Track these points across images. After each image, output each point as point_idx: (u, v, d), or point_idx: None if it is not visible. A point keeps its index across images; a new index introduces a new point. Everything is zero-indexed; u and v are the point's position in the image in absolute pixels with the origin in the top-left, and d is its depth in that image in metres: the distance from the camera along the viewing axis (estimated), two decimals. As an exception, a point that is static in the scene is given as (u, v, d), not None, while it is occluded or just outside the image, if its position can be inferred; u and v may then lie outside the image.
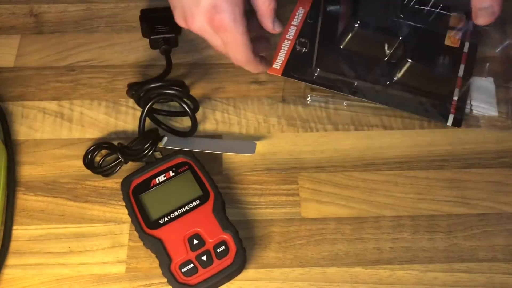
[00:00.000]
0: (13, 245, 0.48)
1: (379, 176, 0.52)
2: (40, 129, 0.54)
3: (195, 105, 0.53)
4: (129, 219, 0.48)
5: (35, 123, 0.55)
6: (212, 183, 0.49)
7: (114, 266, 0.48)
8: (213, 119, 0.55)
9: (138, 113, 0.53)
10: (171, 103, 0.55)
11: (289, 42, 0.57)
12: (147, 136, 0.51)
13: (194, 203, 0.47)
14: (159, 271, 0.45)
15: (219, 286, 0.46)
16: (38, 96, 0.56)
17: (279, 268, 0.48)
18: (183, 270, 0.45)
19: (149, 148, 0.50)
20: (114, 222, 0.50)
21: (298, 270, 0.48)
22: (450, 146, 0.54)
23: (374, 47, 0.55)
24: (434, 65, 0.55)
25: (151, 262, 0.47)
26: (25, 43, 0.60)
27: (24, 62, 0.58)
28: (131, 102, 0.55)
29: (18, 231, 0.49)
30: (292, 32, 0.57)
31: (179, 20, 0.47)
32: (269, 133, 0.55)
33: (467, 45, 0.57)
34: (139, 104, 0.54)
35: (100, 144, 0.51)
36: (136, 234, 0.47)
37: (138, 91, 0.53)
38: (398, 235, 0.49)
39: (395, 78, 0.54)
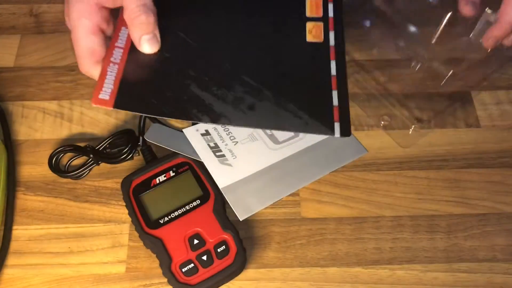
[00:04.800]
0: (13, 245, 0.48)
1: (379, 176, 0.52)
2: (40, 129, 0.54)
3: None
4: (129, 219, 0.48)
5: (35, 123, 0.55)
6: (213, 183, 0.49)
7: (114, 266, 0.48)
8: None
9: (138, 113, 0.53)
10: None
11: (116, 66, 0.43)
12: (121, 137, 0.52)
13: (194, 203, 0.47)
14: (159, 271, 0.45)
15: (220, 286, 0.46)
16: (38, 96, 0.56)
17: (279, 268, 0.48)
18: (183, 270, 0.45)
19: (128, 151, 0.51)
20: (114, 222, 0.50)
21: (298, 270, 0.48)
22: (450, 146, 0.54)
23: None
24: (297, 70, 0.45)
25: (151, 262, 0.47)
26: (25, 43, 0.60)
27: (24, 62, 0.58)
28: (131, 102, 0.55)
29: (18, 231, 0.49)
30: (118, 54, 0.43)
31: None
32: (269, 133, 0.55)
33: (332, 35, 0.47)
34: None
35: (65, 147, 0.51)
36: (136, 234, 0.47)
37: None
38: (398, 235, 0.49)
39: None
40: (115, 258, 0.48)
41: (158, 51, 0.43)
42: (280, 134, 0.52)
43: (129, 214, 0.47)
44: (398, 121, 0.54)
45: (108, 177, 0.52)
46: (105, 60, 0.42)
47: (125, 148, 0.51)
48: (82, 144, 0.52)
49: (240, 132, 0.52)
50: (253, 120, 0.42)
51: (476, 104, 0.56)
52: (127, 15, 0.41)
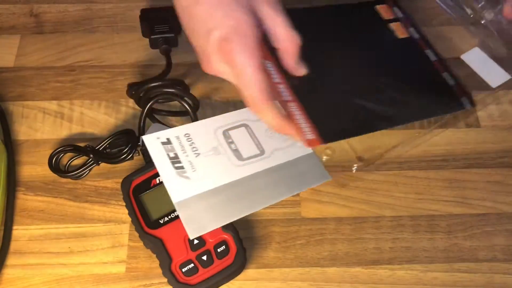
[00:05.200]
0: (13, 245, 0.48)
1: (379, 176, 0.52)
2: (40, 129, 0.54)
3: (196, 103, 0.53)
4: (129, 219, 0.48)
5: (35, 123, 0.55)
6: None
7: (114, 266, 0.48)
8: (213, 119, 0.55)
9: (138, 113, 0.53)
10: (171, 103, 0.55)
11: (294, 104, 0.46)
12: (121, 137, 0.52)
13: (194, 203, 0.47)
14: (159, 271, 0.45)
15: (220, 286, 0.46)
16: (38, 96, 0.56)
17: (279, 268, 0.48)
18: (183, 270, 0.45)
19: (128, 152, 0.51)
20: (114, 222, 0.50)
21: (298, 270, 0.48)
22: (450, 146, 0.54)
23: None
24: (406, 64, 0.55)
25: (151, 262, 0.47)
26: (25, 43, 0.60)
27: (24, 62, 0.58)
28: (131, 102, 0.55)
29: (18, 231, 0.49)
30: (284, 91, 0.46)
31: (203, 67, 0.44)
32: (269, 133, 0.55)
33: (412, 30, 0.57)
34: (138, 104, 0.54)
35: (65, 147, 0.51)
36: (136, 234, 0.47)
37: (138, 91, 0.53)
38: (398, 235, 0.49)
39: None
40: (115, 258, 0.48)
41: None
42: (246, 151, 0.48)
43: (129, 214, 0.47)
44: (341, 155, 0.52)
45: (108, 177, 0.52)
46: (284, 102, 0.45)
47: (125, 148, 0.51)
48: (82, 144, 0.52)
49: (204, 143, 0.48)
50: (410, 115, 0.51)
51: (476, 104, 0.56)
52: (248, 102, 0.42)
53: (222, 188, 0.46)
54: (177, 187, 0.45)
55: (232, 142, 0.48)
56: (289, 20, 0.43)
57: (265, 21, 0.42)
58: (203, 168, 0.46)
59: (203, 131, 0.48)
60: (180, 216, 0.43)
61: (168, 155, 0.46)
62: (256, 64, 0.40)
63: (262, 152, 0.48)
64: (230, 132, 0.49)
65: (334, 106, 0.49)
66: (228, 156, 0.47)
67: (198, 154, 0.47)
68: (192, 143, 0.47)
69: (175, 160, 0.46)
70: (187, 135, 0.48)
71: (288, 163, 0.48)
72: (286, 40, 0.42)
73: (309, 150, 0.49)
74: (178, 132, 0.48)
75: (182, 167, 0.46)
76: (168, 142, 0.47)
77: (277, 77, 0.46)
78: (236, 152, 0.48)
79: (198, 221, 0.44)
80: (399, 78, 0.52)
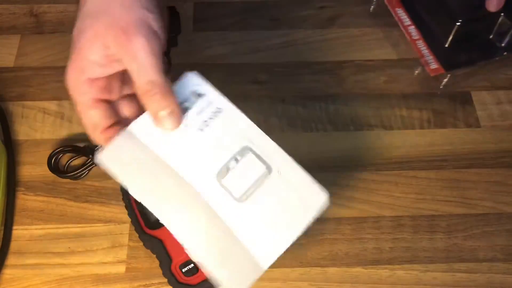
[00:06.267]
0: (13, 245, 0.48)
1: (379, 176, 0.52)
2: (40, 129, 0.54)
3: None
4: (129, 219, 0.48)
5: (35, 123, 0.55)
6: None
7: (114, 266, 0.48)
8: (213, 119, 0.55)
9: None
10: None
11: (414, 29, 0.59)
12: None
13: (194, 203, 0.47)
14: (159, 271, 0.45)
15: (219, 286, 0.46)
16: (38, 96, 0.56)
17: (279, 268, 0.48)
18: (183, 270, 0.45)
19: None
20: (114, 222, 0.50)
21: (298, 270, 0.48)
22: (450, 146, 0.54)
23: None
24: None
25: (151, 262, 0.47)
26: (25, 43, 0.60)
27: (24, 62, 0.58)
28: (131, 102, 0.55)
29: (18, 231, 0.49)
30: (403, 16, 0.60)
31: None
32: (270, 133, 0.54)
33: None
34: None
35: (64, 148, 0.51)
36: (136, 234, 0.47)
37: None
38: (398, 235, 0.49)
39: None
40: (115, 258, 0.48)
41: None
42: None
43: (129, 214, 0.47)
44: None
45: (108, 177, 0.51)
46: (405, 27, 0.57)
47: None
48: (81, 145, 0.52)
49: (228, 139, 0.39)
50: None
51: (476, 104, 0.56)
52: (136, 89, 0.36)
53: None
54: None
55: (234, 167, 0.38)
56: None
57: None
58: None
59: (233, 124, 0.39)
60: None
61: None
62: (83, 104, 0.39)
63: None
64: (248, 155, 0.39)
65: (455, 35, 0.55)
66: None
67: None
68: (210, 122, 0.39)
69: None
70: (218, 110, 0.39)
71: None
72: (141, 88, 0.36)
73: None
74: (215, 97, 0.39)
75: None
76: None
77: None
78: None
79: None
80: None
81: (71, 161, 0.51)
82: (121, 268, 0.47)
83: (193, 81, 0.40)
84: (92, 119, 0.39)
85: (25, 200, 0.51)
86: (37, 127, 0.54)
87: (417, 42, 0.57)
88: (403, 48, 0.59)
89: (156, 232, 0.46)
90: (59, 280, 0.47)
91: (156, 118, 0.36)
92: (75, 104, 0.39)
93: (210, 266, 0.36)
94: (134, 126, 0.38)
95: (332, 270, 0.48)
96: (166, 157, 0.37)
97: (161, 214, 0.37)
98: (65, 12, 0.62)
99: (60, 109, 0.56)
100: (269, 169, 0.38)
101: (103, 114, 0.39)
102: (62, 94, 0.56)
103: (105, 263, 0.48)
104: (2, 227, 0.49)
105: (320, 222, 0.50)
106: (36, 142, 0.54)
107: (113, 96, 0.40)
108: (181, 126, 0.38)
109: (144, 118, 0.38)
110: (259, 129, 0.40)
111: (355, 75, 0.58)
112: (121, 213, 0.49)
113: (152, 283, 0.47)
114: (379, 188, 0.52)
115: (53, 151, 0.51)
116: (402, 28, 0.58)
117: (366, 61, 0.59)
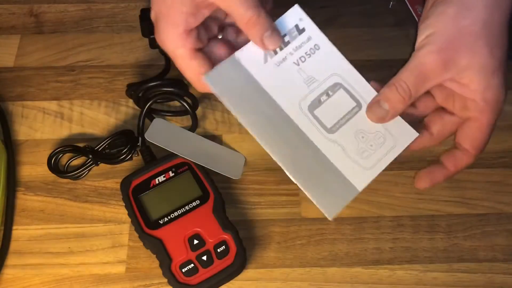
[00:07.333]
0: (13, 245, 0.48)
1: (379, 176, 0.52)
2: (40, 129, 0.54)
3: (195, 102, 0.53)
4: (129, 219, 0.48)
5: (35, 123, 0.55)
6: (212, 183, 0.49)
7: (114, 266, 0.48)
8: (213, 119, 0.55)
9: (138, 113, 0.53)
10: (170, 103, 0.55)
11: None
12: (120, 138, 0.52)
13: (194, 203, 0.47)
14: (159, 271, 0.45)
15: (220, 286, 0.46)
16: (38, 96, 0.56)
17: (279, 268, 0.48)
18: (183, 270, 0.45)
19: (127, 152, 0.51)
20: (114, 222, 0.50)
21: (298, 270, 0.48)
22: (450, 146, 0.54)
23: None
24: None
25: (151, 262, 0.47)
26: (25, 43, 0.60)
27: (24, 62, 0.58)
28: (131, 102, 0.55)
29: (18, 231, 0.49)
30: None
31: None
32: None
33: None
34: (138, 104, 0.54)
35: (63, 148, 0.51)
36: (136, 234, 0.47)
37: (137, 91, 0.53)
38: (398, 235, 0.49)
39: None
40: (115, 258, 0.48)
41: None
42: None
43: (129, 214, 0.47)
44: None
45: (108, 177, 0.52)
46: None
47: (124, 149, 0.51)
48: (81, 144, 0.52)
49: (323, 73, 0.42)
50: None
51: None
52: (238, 22, 0.39)
53: None
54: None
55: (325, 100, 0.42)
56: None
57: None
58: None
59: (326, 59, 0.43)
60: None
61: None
62: (183, 56, 0.40)
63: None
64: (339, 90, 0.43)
65: None
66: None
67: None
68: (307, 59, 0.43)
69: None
70: (316, 46, 0.43)
71: None
72: (240, 17, 0.40)
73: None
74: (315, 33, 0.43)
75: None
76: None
77: None
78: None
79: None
80: None
81: (71, 161, 0.51)
82: (121, 268, 0.47)
83: (296, 15, 0.43)
84: (195, 69, 0.41)
85: (25, 200, 0.51)
86: (37, 127, 0.55)
87: None
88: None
89: (156, 232, 0.46)
90: (59, 280, 0.47)
91: (260, 41, 0.40)
92: (175, 59, 0.41)
93: (308, 188, 0.40)
94: (238, 54, 0.41)
95: (332, 270, 0.48)
96: (265, 85, 0.41)
97: (261, 139, 0.41)
98: (65, 12, 0.62)
99: (60, 109, 0.56)
100: (359, 105, 0.42)
101: (202, 62, 0.41)
102: (62, 94, 0.56)
103: (105, 263, 0.48)
104: (2, 227, 0.49)
105: (320, 222, 0.50)
106: (36, 142, 0.54)
107: (204, 44, 0.42)
108: (280, 58, 0.42)
109: (247, 47, 0.41)
110: (353, 68, 0.43)
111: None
112: (121, 213, 0.50)
113: (152, 283, 0.47)
114: (379, 188, 0.52)
115: (53, 151, 0.51)
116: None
117: (366, 61, 0.59)
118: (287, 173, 0.41)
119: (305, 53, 0.43)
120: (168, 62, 0.56)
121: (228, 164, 0.52)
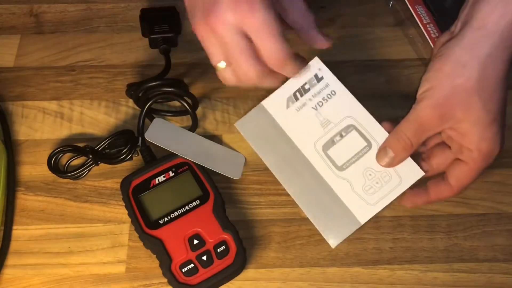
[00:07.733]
0: (13, 245, 0.48)
1: (379, 176, 0.52)
2: (40, 129, 0.54)
3: (195, 102, 0.53)
4: (129, 219, 0.48)
5: (35, 123, 0.55)
6: (212, 183, 0.49)
7: (114, 266, 0.48)
8: (213, 119, 0.55)
9: (138, 113, 0.53)
10: (170, 103, 0.55)
11: None
12: (120, 138, 0.52)
13: (194, 203, 0.47)
14: (159, 271, 0.45)
15: (220, 286, 0.46)
16: (38, 96, 0.56)
17: (279, 268, 0.48)
18: (183, 270, 0.45)
19: (127, 152, 0.51)
20: (114, 222, 0.50)
21: (298, 270, 0.48)
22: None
23: None
24: None
25: (151, 262, 0.47)
26: (25, 43, 0.60)
27: (24, 62, 0.58)
28: (131, 102, 0.55)
29: (18, 231, 0.49)
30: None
31: (197, 24, 0.42)
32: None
33: None
34: (138, 104, 0.54)
35: (63, 148, 0.51)
36: (136, 234, 0.47)
37: (137, 91, 0.53)
38: (398, 235, 0.49)
39: None
40: (115, 258, 0.48)
41: None
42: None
43: (129, 214, 0.47)
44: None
45: (108, 177, 0.52)
46: None
47: (124, 149, 0.51)
48: (81, 145, 0.52)
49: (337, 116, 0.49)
50: None
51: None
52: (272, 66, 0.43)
53: None
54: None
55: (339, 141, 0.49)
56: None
57: (281, 2, 0.44)
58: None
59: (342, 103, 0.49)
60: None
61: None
62: (277, 19, 0.40)
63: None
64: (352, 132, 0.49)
65: None
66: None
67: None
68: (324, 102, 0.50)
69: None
70: (332, 92, 0.50)
71: None
72: (300, 18, 0.45)
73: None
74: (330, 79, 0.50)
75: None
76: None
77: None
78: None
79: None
80: None
81: (71, 161, 0.51)
82: (121, 268, 0.47)
83: (316, 65, 0.50)
84: (287, 47, 0.43)
85: (25, 200, 0.51)
86: (37, 127, 0.54)
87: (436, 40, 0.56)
88: (419, 46, 0.59)
89: (156, 232, 0.46)
90: (59, 280, 0.47)
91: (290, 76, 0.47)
92: (263, 20, 0.40)
93: (316, 220, 0.48)
94: (265, 103, 0.51)
95: (332, 270, 0.48)
96: (286, 129, 0.50)
97: (279, 177, 0.50)
98: (65, 12, 0.62)
99: (60, 109, 0.56)
100: (369, 145, 0.48)
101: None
102: (62, 94, 0.56)
103: (105, 263, 0.48)
104: (2, 227, 0.49)
105: (320, 222, 0.50)
106: (36, 142, 0.54)
107: None
108: (301, 104, 0.50)
109: (273, 96, 0.50)
110: (366, 111, 0.49)
111: (355, 75, 0.58)
112: (121, 213, 0.50)
113: (152, 283, 0.47)
114: (379, 188, 0.51)
115: (53, 151, 0.51)
116: (421, 26, 0.58)
117: (366, 61, 0.59)
118: (299, 206, 0.48)
119: (323, 98, 0.49)
120: (168, 62, 0.56)
121: (228, 164, 0.52)
